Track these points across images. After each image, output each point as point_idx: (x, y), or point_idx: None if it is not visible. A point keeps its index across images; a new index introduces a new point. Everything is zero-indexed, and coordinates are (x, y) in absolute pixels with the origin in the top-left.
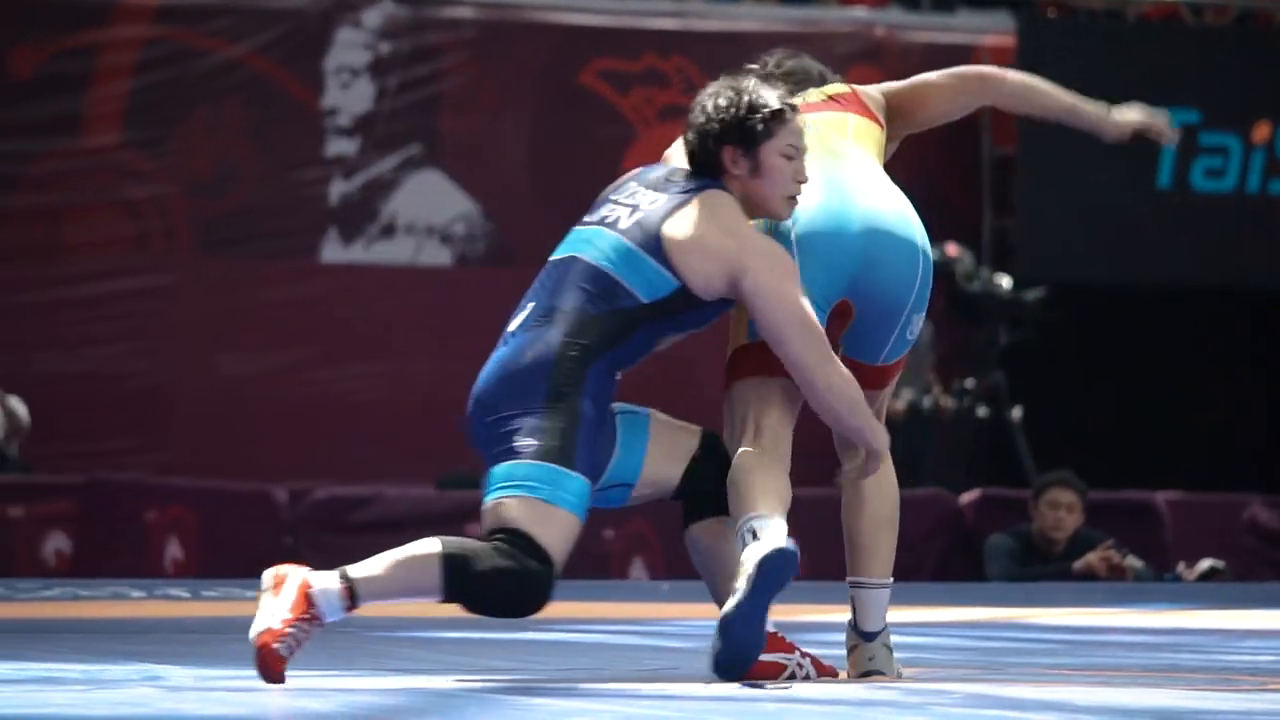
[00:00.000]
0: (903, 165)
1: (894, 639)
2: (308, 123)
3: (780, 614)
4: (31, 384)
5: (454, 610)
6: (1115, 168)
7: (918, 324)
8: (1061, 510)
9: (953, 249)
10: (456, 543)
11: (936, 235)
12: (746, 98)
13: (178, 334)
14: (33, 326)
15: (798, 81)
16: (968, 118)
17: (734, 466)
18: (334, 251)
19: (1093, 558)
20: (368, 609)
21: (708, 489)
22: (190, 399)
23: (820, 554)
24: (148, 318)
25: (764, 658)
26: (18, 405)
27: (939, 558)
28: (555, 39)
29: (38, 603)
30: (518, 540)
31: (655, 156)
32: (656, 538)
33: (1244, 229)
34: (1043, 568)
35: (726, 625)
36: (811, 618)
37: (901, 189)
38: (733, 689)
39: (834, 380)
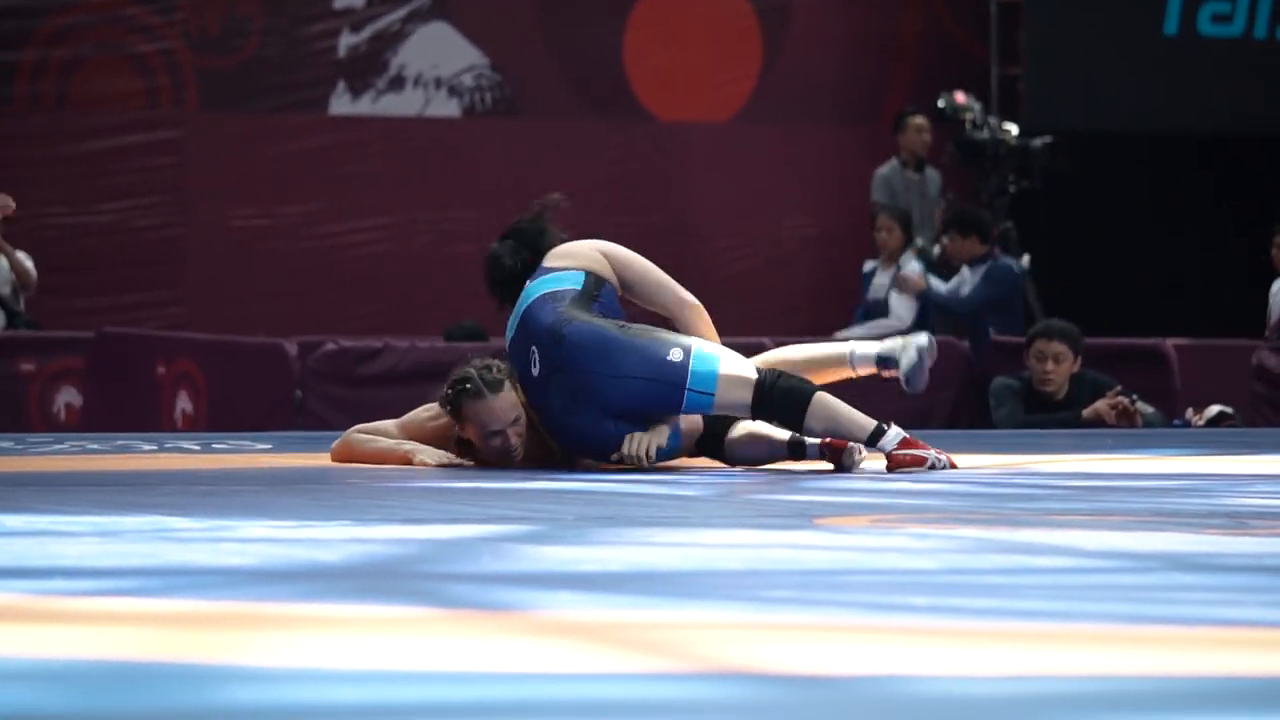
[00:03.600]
0: (911, 16)
1: (904, 485)
2: None
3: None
4: (42, 239)
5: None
6: (1121, 15)
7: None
8: (1049, 361)
9: (960, 97)
10: None
11: (944, 83)
12: None
13: (187, 189)
14: (43, 181)
15: None
16: None
17: None
18: (342, 104)
19: (1102, 405)
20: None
21: None
22: (200, 253)
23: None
24: (157, 172)
25: (904, 453)
26: (24, 259)
27: (949, 405)
28: None
29: (48, 457)
30: None
31: (663, 9)
32: None
33: (1252, 74)
34: (1051, 415)
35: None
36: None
37: (911, 40)
38: (746, 537)
39: None
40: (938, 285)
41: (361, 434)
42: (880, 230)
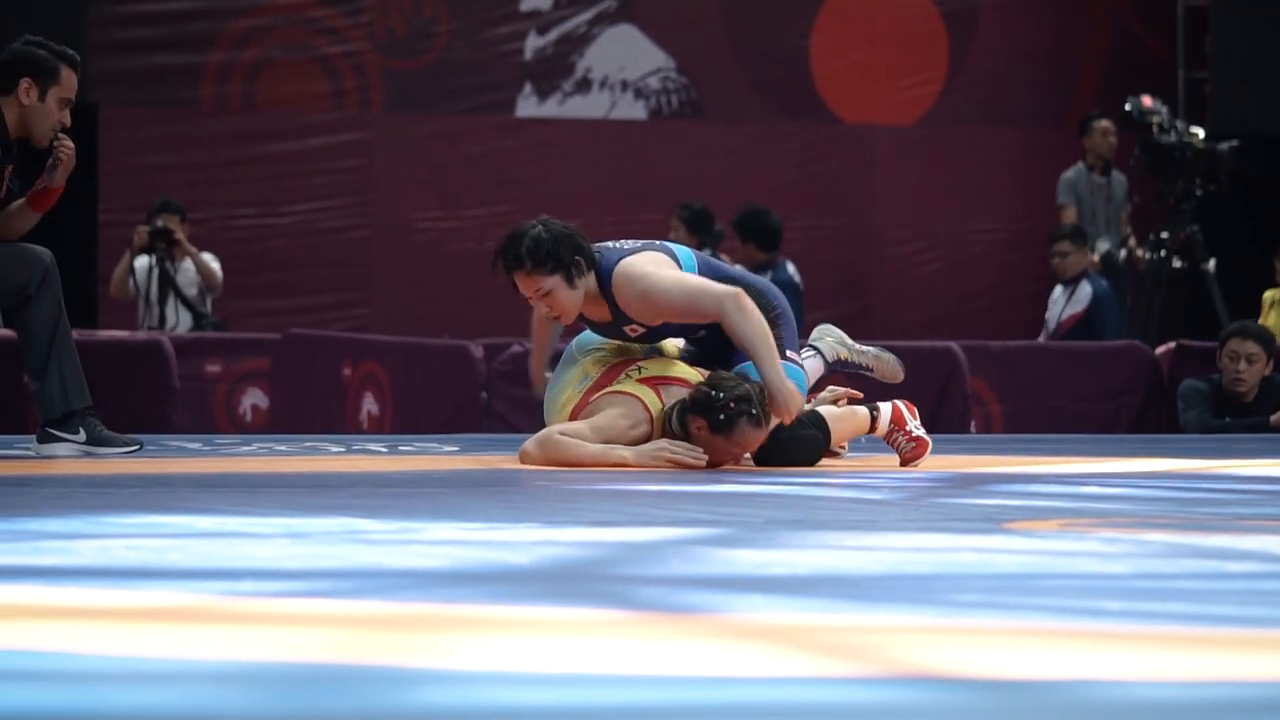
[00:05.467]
0: (1098, 19)
1: (1092, 489)
2: None
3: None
4: (229, 241)
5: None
6: None
7: None
8: (1241, 361)
9: (1148, 101)
10: None
11: (1130, 87)
12: None
13: (374, 191)
14: (229, 183)
15: None
16: None
17: None
18: (529, 106)
19: None
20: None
21: None
22: (386, 255)
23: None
24: (343, 174)
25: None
26: (211, 261)
27: (1135, 409)
28: None
29: (236, 458)
30: None
31: (849, 11)
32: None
33: None
34: (1240, 420)
35: None
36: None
37: (1097, 44)
38: (935, 541)
39: None
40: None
41: (564, 436)
42: (670, 231)
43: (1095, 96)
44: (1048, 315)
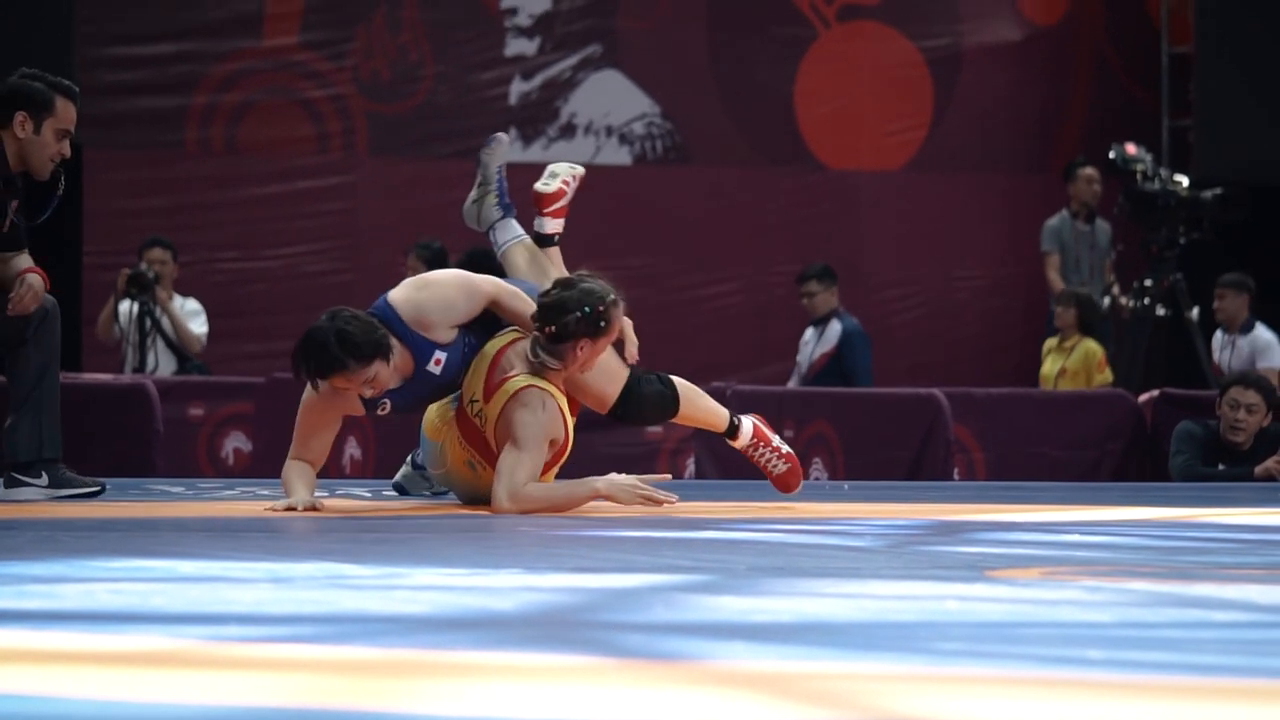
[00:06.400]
0: (1083, 69)
1: (1075, 538)
2: (487, 23)
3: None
4: (213, 284)
5: (633, 509)
6: None
7: None
8: (1241, 410)
9: (1132, 148)
10: None
11: (1115, 134)
12: None
13: (358, 234)
14: (214, 226)
15: None
16: (1146, 16)
17: None
18: (514, 151)
19: (1270, 463)
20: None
21: None
22: (371, 299)
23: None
24: (328, 217)
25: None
26: (191, 319)
27: (1118, 457)
28: None
29: (219, 502)
30: None
31: (834, 57)
32: (837, 438)
33: None
34: (1229, 469)
35: None
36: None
37: (1082, 91)
38: (918, 588)
39: None
40: None
41: (530, 485)
42: (408, 270)
43: (1079, 143)
44: (799, 357)
